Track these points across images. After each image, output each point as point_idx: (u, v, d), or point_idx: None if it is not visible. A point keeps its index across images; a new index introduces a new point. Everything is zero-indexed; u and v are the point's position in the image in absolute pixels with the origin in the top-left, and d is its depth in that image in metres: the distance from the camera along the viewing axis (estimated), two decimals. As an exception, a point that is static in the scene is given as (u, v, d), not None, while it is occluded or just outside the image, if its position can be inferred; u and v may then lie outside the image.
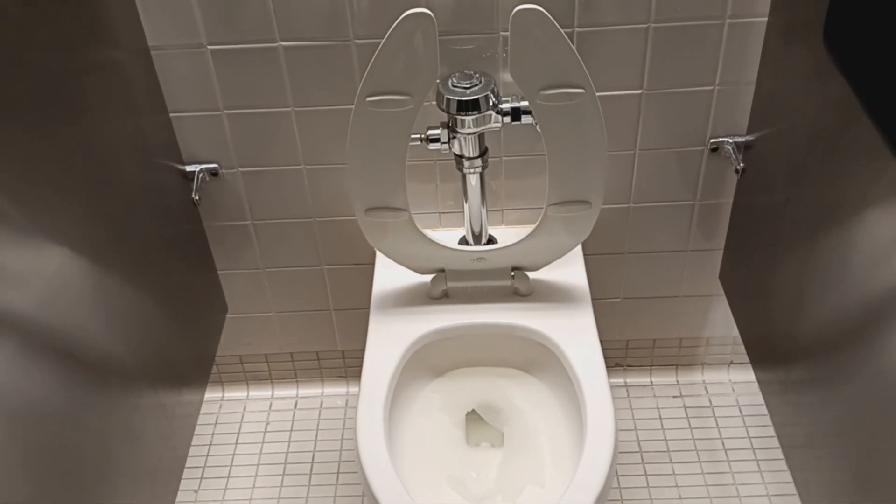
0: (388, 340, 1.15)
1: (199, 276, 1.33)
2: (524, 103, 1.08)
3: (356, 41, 1.10)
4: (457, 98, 1.05)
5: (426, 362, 1.18)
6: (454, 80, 1.07)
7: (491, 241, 1.24)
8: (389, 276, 1.24)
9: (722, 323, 1.43)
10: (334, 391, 1.54)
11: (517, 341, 1.17)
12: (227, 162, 1.23)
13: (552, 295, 1.19)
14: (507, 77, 1.14)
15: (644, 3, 1.06)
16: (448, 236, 1.27)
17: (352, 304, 1.41)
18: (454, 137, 1.10)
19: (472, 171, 1.13)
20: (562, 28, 0.92)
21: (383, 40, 0.93)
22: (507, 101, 1.08)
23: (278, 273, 1.37)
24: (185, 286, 1.26)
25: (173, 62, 1.12)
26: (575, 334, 1.14)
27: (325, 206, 1.28)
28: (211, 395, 1.54)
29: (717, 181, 1.24)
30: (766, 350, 1.18)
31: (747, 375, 1.49)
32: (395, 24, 0.93)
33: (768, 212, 1.13)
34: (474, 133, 1.09)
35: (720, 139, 1.19)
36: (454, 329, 1.16)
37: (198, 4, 1.07)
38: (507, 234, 1.27)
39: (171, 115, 1.17)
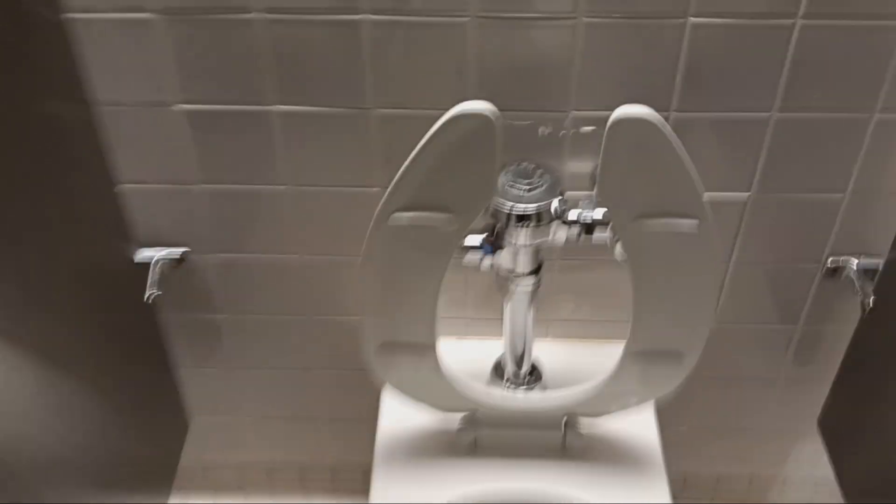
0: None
1: (156, 376, 1.05)
2: (600, 212, 0.80)
3: (376, 110, 0.82)
4: (510, 205, 0.77)
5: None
6: (506, 176, 0.79)
7: (535, 371, 0.96)
8: (401, 414, 0.96)
9: (807, 462, 1.16)
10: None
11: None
12: (197, 245, 0.95)
13: (614, 456, 0.92)
14: (574, 167, 0.86)
15: (769, 86, 0.79)
16: (479, 353, 0.99)
17: (348, 414, 1.14)
18: (500, 248, 0.83)
19: (520, 290, 0.85)
20: (657, 110, 0.65)
21: (422, 143, 0.66)
22: (576, 209, 0.80)
23: (256, 375, 1.09)
24: (138, 385, 1.00)
25: (129, 121, 0.84)
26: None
27: (321, 303, 1.00)
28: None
29: (830, 308, 0.97)
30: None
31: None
32: (440, 124, 0.65)
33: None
34: (528, 246, 0.82)
35: (842, 258, 0.92)
36: (484, 496, 0.89)
37: (168, 50, 0.78)
38: (556, 355, 1.00)
39: (123, 187, 0.89)
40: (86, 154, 0.84)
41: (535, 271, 0.84)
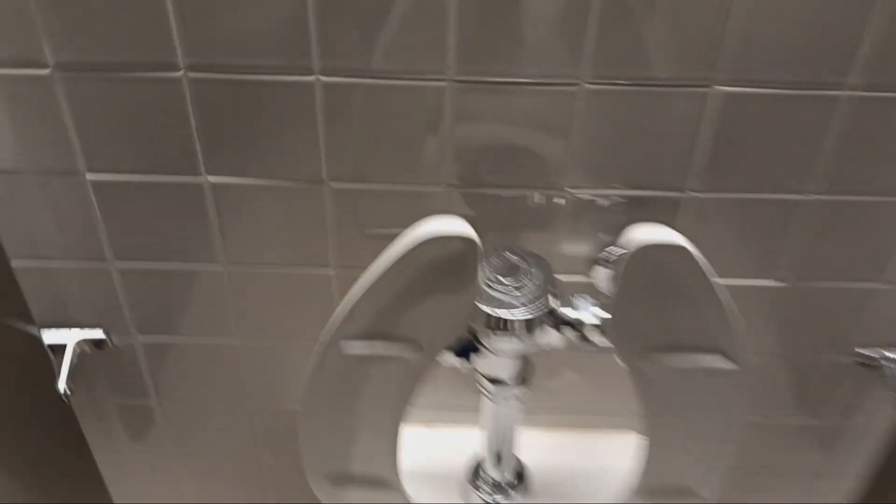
0: None
1: (79, 462, 0.90)
2: (599, 315, 0.66)
3: (331, 183, 0.68)
4: (492, 311, 0.63)
5: None
6: (484, 272, 0.65)
7: (520, 477, 0.83)
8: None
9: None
10: None
11: None
12: (120, 327, 0.80)
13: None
14: (567, 248, 0.73)
15: (802, 165, 0.65)
16: (450, 445, 0.86)
17: (308, 499, 1.00)
18: (478, 352, 0.69)
19: (503, 399, 0.71)
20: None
21: (384, 261, 0.52)
22: (572, 308, 0.66)
23: (199, 463, 0.94)
24: (60, 473, 0.85)
25: (20, 190, 0.68)
26: None
27: (268, 391, 0.85)
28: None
29: (858, 401, 0.84)
30: None
31: None
32: (407, 243, 0.51)
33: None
34: (514, 355, 0.68)
35: (876, 352, 0.79)
36: None
37: (68, 110, 0.63)
38: (544, 448, 0.87)
39: (18, 263, 0.74)
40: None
41: (524, 379, 0.70)
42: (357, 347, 0.55)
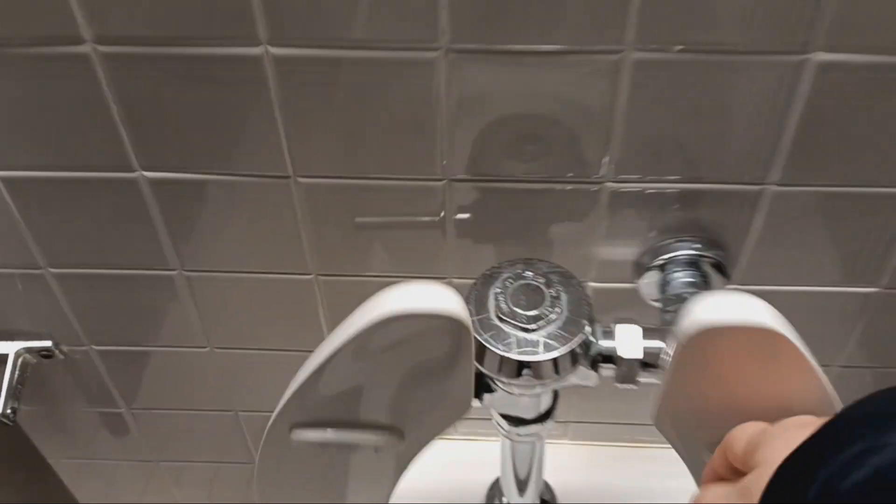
0: None
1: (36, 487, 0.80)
2: (649, 346, 0.51)
3: (298, 178, 0.53)
4: (504, 349, 0.48)
5: None
6: (502, 298, 0.49)
7: (546, 503, 0.70)
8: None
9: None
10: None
11: None
12: (69, 337, 0.67)
13: None
14: (606, 252, 0.57)
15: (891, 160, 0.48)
16: (467, 459, 0.73)
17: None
18: (491, 391, 0.55)
19: (522, 438, 0.58)
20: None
21: (343, 335, 0.38)
22: (608, 339, 0.51)
23: (183, 467, 0.84)
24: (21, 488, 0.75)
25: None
26: None
27: (251, 397, 0.73)
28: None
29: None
30: None
31: None
32: (373, 315, 0.37)
33: None
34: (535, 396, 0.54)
35: None
36: None
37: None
38: (575, 463, 0.74)
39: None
40: None
41: (542, 417, 0.56)
42: (312, 438, 0.41)
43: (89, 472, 0.84)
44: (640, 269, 0.57)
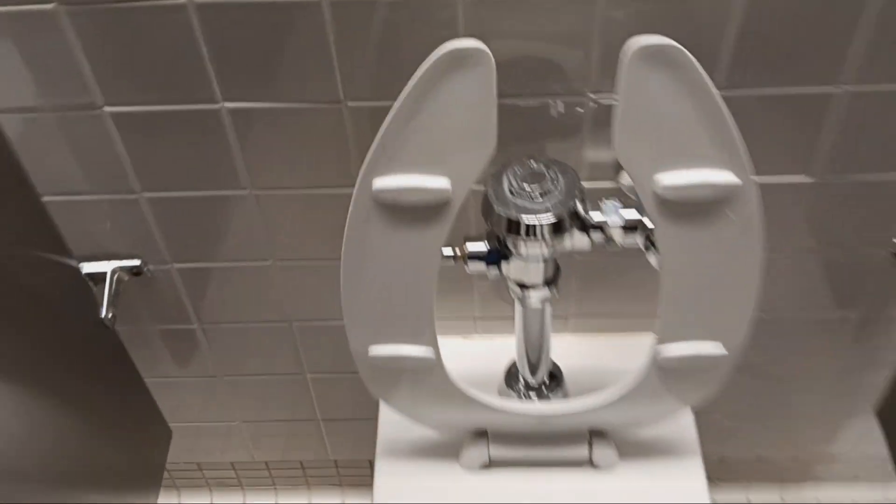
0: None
1: (128, 389, 0.94)
2: (630, 214, 0.66)
3: (348, 103, 0.67)
4: (516, 216, 0.63)
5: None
6: (512, 179, 0.64)
7: (554, 377, 0.84)
8: (400, 428, 0.83)
9: (855, 441, 1.05)
10: (326, 500, 1.17)
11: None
12: (155, 256, 0.81)
13: (648, 469, 0.80)
14: (592, 155, 0.71)
15: (836, 55, 0.62)
16: (489, 353, 0.87)
17: (346, 415, 1.03)
18: (507, 260, 0.69)
19: (532, 301, 0.72)
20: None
21: (407, 88, 0.52)
22: (598, 211, 0.66)
23: (243, 381, 0.97)
24: (110, 399, 0.88)
25: (43, 129, 0.69)
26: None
27: (306, 307, 0.87)
28: (165, 500, 1.17)
29: (892, 292, 0.83)
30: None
31: (874, 494, 1.12)
32: (426, 66, 0.51)
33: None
34: (541, 259, 0.68)
35: (914, 241, 0.77)
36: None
37: (81, 46, 0.63)
38: (576, 351, 0.88)
39: (53, 199, 0.75)
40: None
41: (552, 280, 0.70)
42: (389, 186, 0.56)
43: (159, 390, 0.98)
44: (618, 167, 0.71)
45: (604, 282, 0.85)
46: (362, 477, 1.12)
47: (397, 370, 0.71)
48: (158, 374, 0.96)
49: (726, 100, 0.53)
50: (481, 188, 0.64)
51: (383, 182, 0.57)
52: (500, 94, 0.53)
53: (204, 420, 1.03)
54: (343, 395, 0.99)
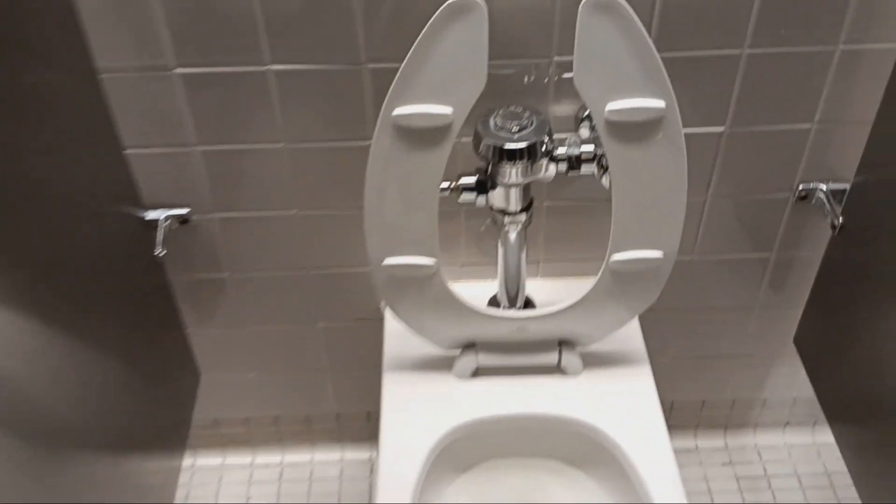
0: (407, 437, 0.92)
1: (166, 336, 1.09)
2: (586, 149, 0.85)
3: (369, 65, 0.86)
4: (500, 144, 0.82)
5: (453, 458, 0.96)
6: (497, 121, 0.84)
7: (528, 304, 1.02)
8: (404, 346, 1.01)
9: (784, 383, 1.23)
10: (327, 457, 1.31)
11: (564, 434, 0.96)
12: (200, 206, 0.98)
13: (606, 374, 0.98)
14: (558, 110, 0.91)
15: (739, 24, 0.84)
16: (474, 293, 1.04)
17: (351, 365, 1.18)
18: (493, 188, 0.87)
19: (512, 226, 0.90)
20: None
21: (419, 37, 0.71)
22: (563, 146, 0.85)
23: (262, 331, 1.13)
24: (149, 348, 1.03)
25: (129, 88, 0.87)
26: (638, 428, 0.93)
27: (321, 256, 1.04)
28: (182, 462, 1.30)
29: (801, 233, 1.03)
30: (851, 417, 0.99)
31: (804, 437, 1.30)
32: (434, 17, 0.70)
33: (871, 273, 0.93)
34: (519, 185, 0.87)
35: (812, 185, 0.97)
36: (487, 421, 0.94)
37: (162, 16, 0.81)
38: (546, 290, 1.06)
39: (128, 152, 0.92)
40: (94, 121, 0.87)
41: (527, 208, 0.89)
42: (404, 113, 0.75)
43: (193, 334, 1.13)
44: (578, 120, 0.91)
45: (567, 233, 1.03)
46: (361, 431, 1.27)
47: (405, 279, 0.88)
48: (190, 324, 1.11)
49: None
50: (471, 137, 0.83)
51: (401, 110, 0.76)
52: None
53: (225, 370, 1.18)
54: (349, 345, 1.15)
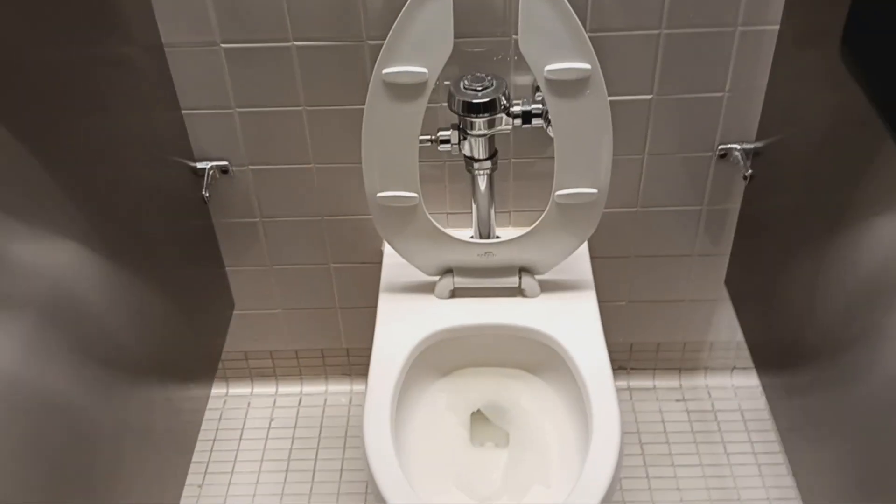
0: (395, 339, 1.16)
1: (208, 273, 1.33)
2: (536, 106, 1.09)
3: (368, 42, 1.11)
4: (468, 100, 1.06)
5: (433, 362, 1.19)
6: (466, 83, 1.08)
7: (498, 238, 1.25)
8: (397, 275, 1.25)
9: (726, 327, 1.44)
10: (338, 389, 1.54)
11: (523, 343, 1.18)
12: (238, 159, 1.23)
13: (559, 297, 1.20)
14: (518, 80, 1.15)
15: (656, 9, 1.07)
16: (455, 236, 1.27)
17: (357, 303, 1.42)
18: (464, 139, 1.11)
19: (481, 172, 1.14)
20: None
21: (401, 13, 0.95)
22: (518, 104, 1.09)
23: (285, 270, 1.37)
24: (193, 282, 1.27)
25: (186, 59, 1.13)
26: (582, 337, 1.15)
27: (334, 204, 1.28)
28: (216, 390, 1.54)
29: (724, 187, 1.25)
30: (771, 355, 1.18)
31: (750, 380, 1.49)
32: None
33: (776, 218, 1.14)
34: (484, 135, 1.10)
35: (729, 145, 1.20)
36: (461, 329, 1.17)
37: (212, 3, 1.07)
38: (515, 235, 1.28)
39: (183, 112, 1.18)
40: (161, 86, 1.13)
41: (492, 157, 1.12)
42: (390, 72, 0.98)
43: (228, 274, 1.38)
44: (534, 90, 1.14)
45: (531, 189, 1.26)
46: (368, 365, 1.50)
47: (395, 209, 1.11)
48: (228, 262, 1.36)
49: (594, 39, 0.97)
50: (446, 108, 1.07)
51: (388, 70, 1.00)
52: (457, 36, 0.96)
53: (254, 306, 1.42)
54: (355, 284, 1.39)
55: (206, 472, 1.45)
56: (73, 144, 0.88)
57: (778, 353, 1.15)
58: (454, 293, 1.21)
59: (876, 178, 0.84)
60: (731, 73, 1.13)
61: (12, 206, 0.76)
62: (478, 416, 1.18)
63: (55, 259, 0.84)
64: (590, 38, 0.98)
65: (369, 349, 1.50)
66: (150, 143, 1.10)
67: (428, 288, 1.22)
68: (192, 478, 1.43)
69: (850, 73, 0.85)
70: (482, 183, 1.15)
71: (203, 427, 1.49)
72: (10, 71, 0.76)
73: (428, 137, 1.11)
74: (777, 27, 1.07)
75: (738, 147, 1.19)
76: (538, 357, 1.19)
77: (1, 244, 0.74)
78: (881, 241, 0.84)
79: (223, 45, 1.11)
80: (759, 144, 1.17)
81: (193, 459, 1.45)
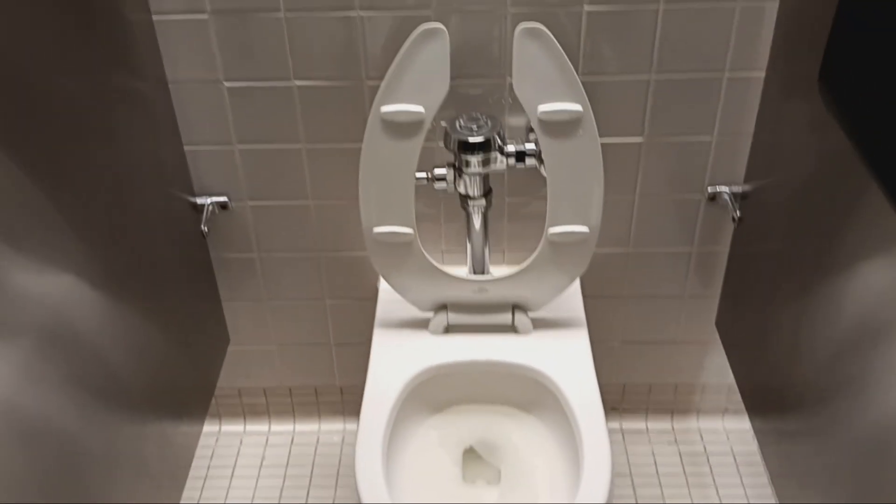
0: (388, 374, 1.17)
1: (204, 307, 1.34)
2: (529, 146, 1.12)
3: (368, 82, 1.14)
4: (463, 139, 1.09)
5: (425, 397, 1.20)
6: (461, 122, 1.11)
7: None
8: (392, 311, 1.26)
9: (717, 369, 1.45)
10: (331, 427, 1.55)
11: (516, 380, 1.19)
12: (237, 195, 1.26)
13: (552, 335, 1.21)
14: (512, 121, 1.18)
15: (646, 56, 1.10)
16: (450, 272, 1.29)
17: (352, 339, 1.43)
18: (460, 177, 1.13)
19: (475, 209, 1.16)
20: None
21: (400, 53, 0.98)
22: (512, 144, 1.11)
23: (281, 306, 1.39)
24: (190, 315, 1.28)
25: (190, 96, 1.16)
26: (574, 375, 1.16)
27: (331, 241, 1.30)
28: (208, 427, 1.54)
29: (714, 229, 1.27)
30: (761, 398, 1.19)
31: (742, 424, 1.50)
32: (411, 38, 0.98)
33: (764, 260, 1.16)
34: (479, 174, 1.12)
35: (718, 188, 1.22)
36: (454, 365, 1.18)
37: (216, 41, 1.11)
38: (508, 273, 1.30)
39: (185, 147, 1.20)
40: (164, 121, 1.16)
41: (486, 195, 1.15)
42: (388, 110, 1.01)
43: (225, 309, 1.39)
44: (527, 131, 1.17)
45: (525, 228, 1.28)
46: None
47: (391, 245, 1.13)
48: (224, 297, 1.37)
49: (586, 84, 1.00)
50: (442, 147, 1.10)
51: (386, 108, 1.03)
52: (454, 77, 0.99)
53: (248, 342, 1.43)
54: (351, 320, 1.40)
55: (196, 510, 1.44)
56: (77, 175, 0.90)
57: (767, 397, 1.16)
58: (448, 329, 1.22)
59: (860, 222, 0.86)
60: (719, 118, 1.16)
61: (14, 234, 0.78)
62: (470, 453, 1.18)
63: (54, 288, 0.85)
64: (582, 81, 1.02)
65: (363, 387, 1.51)
66: (151, 177, 1.12)
67: (422, 324, 1.23)
68: (182, 515, 1.43)
69: (827, 110, 0.88)
70: (477, 220, 1.18)
71: (194, 464, 1.49)
72: (19, 99, 0.79)
73: (424, 175, 1.13)
74: (763, 73, 1.11)
75: (727, 190, 1.22)
76: (530, 394, 1.19)
77: (1, 271, 0.76)
78: (866, 285, 0.85)
79: (226, 84, 1.15)
80: (746, 187, 1.20)
81: (184, 498, 1.45)
